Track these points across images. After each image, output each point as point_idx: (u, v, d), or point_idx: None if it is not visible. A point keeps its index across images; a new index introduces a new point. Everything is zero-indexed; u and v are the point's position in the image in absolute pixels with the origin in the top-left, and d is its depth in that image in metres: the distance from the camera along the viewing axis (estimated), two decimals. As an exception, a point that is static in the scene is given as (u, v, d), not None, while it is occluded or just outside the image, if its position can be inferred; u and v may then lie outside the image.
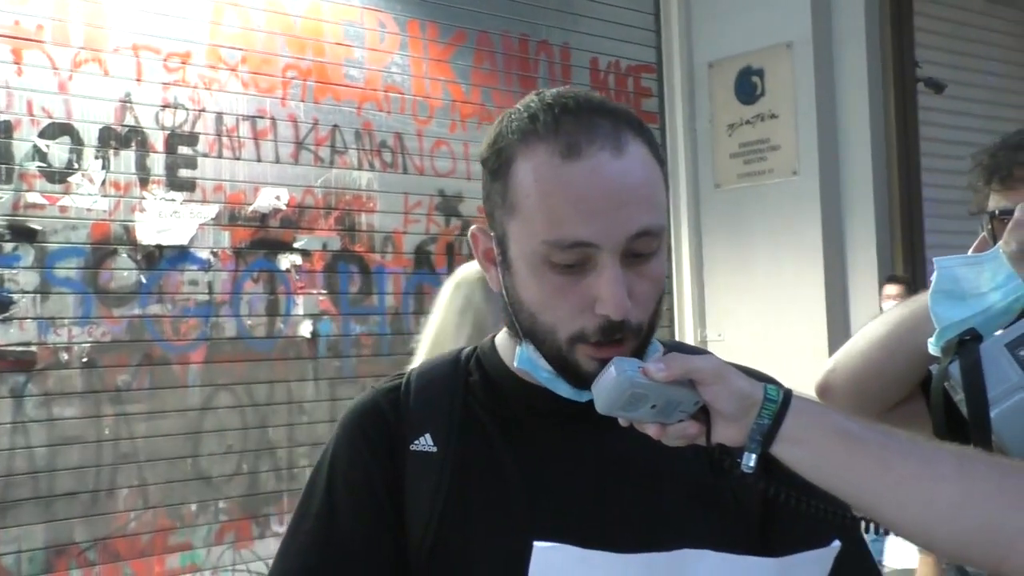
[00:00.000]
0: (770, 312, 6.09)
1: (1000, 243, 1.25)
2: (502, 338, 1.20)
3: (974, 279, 1.25)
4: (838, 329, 5.97)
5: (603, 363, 1.01)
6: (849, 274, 6.05)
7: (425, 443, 1.13)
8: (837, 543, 1.00)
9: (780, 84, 6.22)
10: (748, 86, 6.39)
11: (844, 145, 6.13)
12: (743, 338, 6.07)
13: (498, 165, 1.08)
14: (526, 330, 1.08)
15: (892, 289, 5.59)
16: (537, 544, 0.92)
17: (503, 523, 1.10)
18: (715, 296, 6.49)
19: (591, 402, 1.06)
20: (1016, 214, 1.23)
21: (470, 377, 1.19)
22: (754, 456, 0.98)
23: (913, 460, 0.99)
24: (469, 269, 3.20)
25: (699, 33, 6.58)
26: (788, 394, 1.00)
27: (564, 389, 1.10)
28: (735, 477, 1.02)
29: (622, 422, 1.02)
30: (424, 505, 1.11)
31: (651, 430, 1.01)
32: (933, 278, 1.28)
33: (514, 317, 1.10)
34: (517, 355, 1.12)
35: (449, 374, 1.19)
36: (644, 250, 1.04)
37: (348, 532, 1.12)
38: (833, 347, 5.91)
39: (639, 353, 1.06)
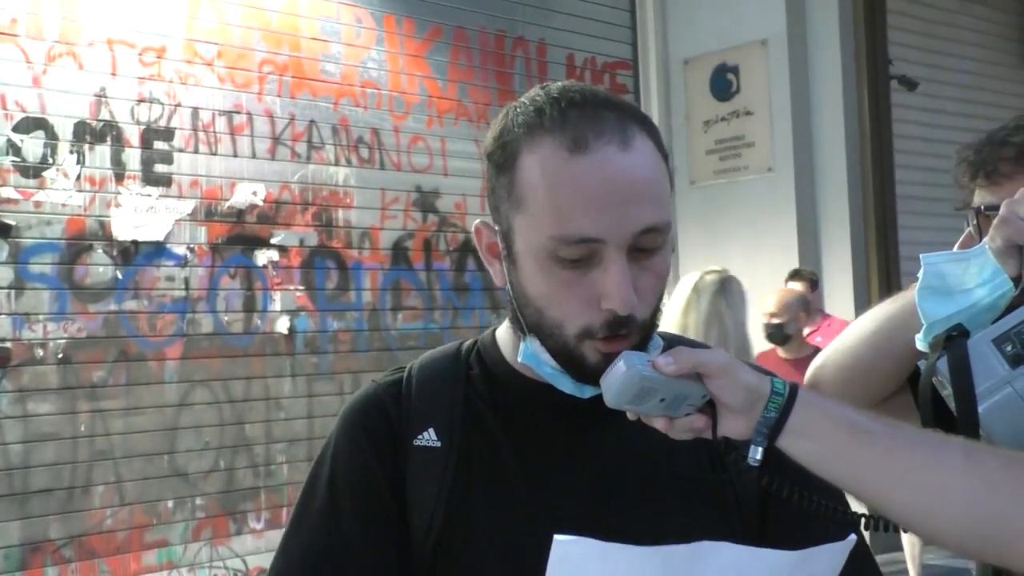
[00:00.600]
0: (745, 308, 6.12)
1: (986, 239, 1.26)
2: (503, 332, 1.19)
3: (960, 275, 1.26)
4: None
5: (609, 358, 1.01)
6: (824, 269, 6.09)
7: (429, 438, 1.13)
8: (853, 536, 1.00)
9: (755, 81, 6.27)
10: (723, 83, 6.43)
11: (818, 142, 6.18)
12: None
13: (504, 159, 1.07)
14: (531, 325, 1.07)
15: (795, 286, 5.51)
16: (557, 537, 0.92)
17: (507, 518, 1.09)
18: (691, 292, 6.52)
19: (593, 398, 1.06)
20: (1002, 210, 1.24)
21: (471, 371, 1.18)
22: (760, 449, 0.98)
23: (921, 452, 1.00)
24: (705, 277, 3.26)
25: (674, 30, 6.61)
26: (794, 388, 1.00)
27: (567, 385, 1.09)
28: (740, 471, 1.02)
29: (630, 416, 1.02)
30: (428, 500, 1.10)
31: (659, 424, 1.01)
32: (920, 274, 1.29)
33: (519, 312, 1.09)
34: (521, 351, 1.11)
35: (450, 368, 1.19)
36: (650, 245, 1.03)
37: (350, 528, 1.11)
38: (808, 342, 5.96)
39: (642, 347, 1.06)
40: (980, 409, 1.20)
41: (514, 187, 1.05)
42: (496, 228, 1.10)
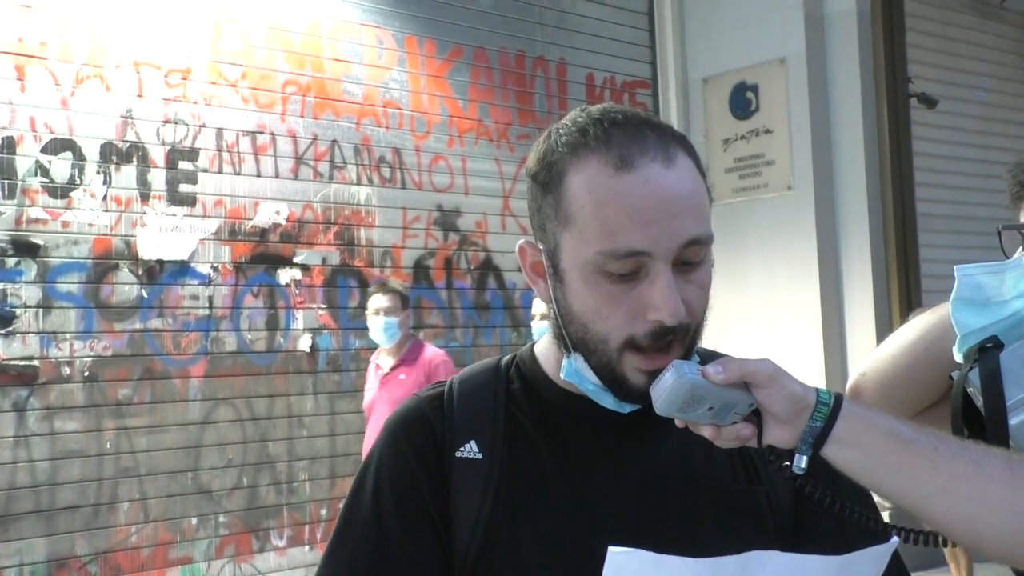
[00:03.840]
0: (765, 326, 6.12)
1: (1020, 251, 1.28)
2: (542, 347, 1.21)
3: (996, 287, 1.28)
4: (833, 343, 6.01)
5: (651, 376, 1.04)
6: (844, 288, 6.08)
7: (471, 450, 1.15)
8: (896, 539, 1.03)
9: (774, 100, 6.28)
10: (742, 101, 6.44)
11: (838, 160, 6.17)
12: (738, 353, 6.08)
13: (549, 179, 1.09)
14: (576, 340, 1.09)
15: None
16: (612, 549, 0.94)
17: (549, 528, 1.11)
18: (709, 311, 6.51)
19: (632, 413, 1.10)
20: None
21: (511, 385, 1.20)
22: (805, 458, 1.00)
23: (962, 462, 1.01)
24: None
25: (693, 49, 6.63)
26: (839, 398, 1.02)
27: (608, 401, 1.11)
28: (774, 481, 1.05)
29: (678, 423, 1.04)
30: (470, 511, 1.12)
31: (706, 431, 1.03)
32: (955, 285, 1.30)
33: (564, 328, 1.10)
34: (564, 367, 1.13)
35: (490, 382, 1.21)
36: (693, 258, 1.06)
37: (395, 537, 1.13)
38: (829, 361, 5.96)
39: (686, 358, 1.08)
40: (1011, 422, 1.21)
41: (561, 205, 1.08)
42: (541, 247, 1.12)
